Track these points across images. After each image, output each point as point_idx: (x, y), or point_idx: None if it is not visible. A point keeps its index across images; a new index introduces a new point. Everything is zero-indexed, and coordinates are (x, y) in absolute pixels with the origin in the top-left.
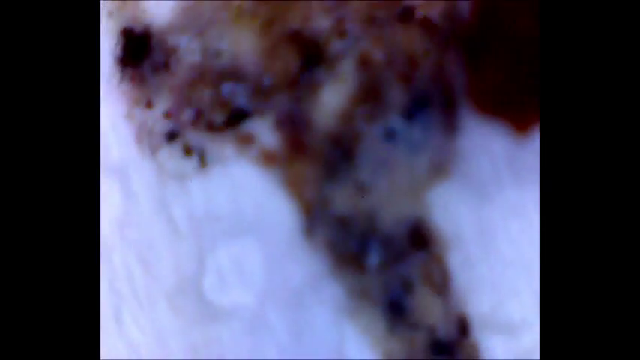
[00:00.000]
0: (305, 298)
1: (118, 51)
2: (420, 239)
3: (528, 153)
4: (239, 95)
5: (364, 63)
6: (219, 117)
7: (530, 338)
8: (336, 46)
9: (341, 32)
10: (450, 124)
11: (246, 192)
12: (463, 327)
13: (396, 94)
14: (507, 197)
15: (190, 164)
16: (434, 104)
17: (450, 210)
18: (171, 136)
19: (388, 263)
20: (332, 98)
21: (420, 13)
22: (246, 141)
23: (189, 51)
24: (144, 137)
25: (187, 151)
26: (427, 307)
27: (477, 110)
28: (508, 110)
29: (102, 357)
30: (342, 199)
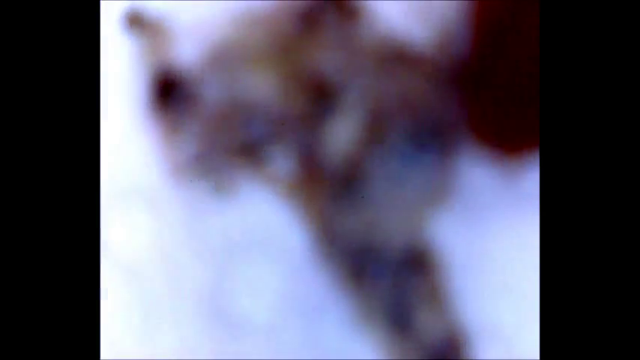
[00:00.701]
0: (316, 315)
1: (148, 88)
2: (420, 262)
3: (526, 181)
4: (257, 130)
5: (370, 94)
6: (238, 148)
7: (528, 355)
8: (345, 86)
9: (350, 73)
10: (450, 154)
11: (261, 215)
12: (463, 342)
13: (400, 127)
14: (507, 221)
15: (212, 192)
16: (435, 132)
17: (451, 232)
18: (195, 166)
19: (392, 282)
20: (341, 134)
21: (421, 50)
22: (262, 168)
23: (213, 88)
24: (170, 167)
25: (210, 180)
26: (430, 323)
27: (477, 138)
28: (508, 139)
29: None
30: (351, 227)
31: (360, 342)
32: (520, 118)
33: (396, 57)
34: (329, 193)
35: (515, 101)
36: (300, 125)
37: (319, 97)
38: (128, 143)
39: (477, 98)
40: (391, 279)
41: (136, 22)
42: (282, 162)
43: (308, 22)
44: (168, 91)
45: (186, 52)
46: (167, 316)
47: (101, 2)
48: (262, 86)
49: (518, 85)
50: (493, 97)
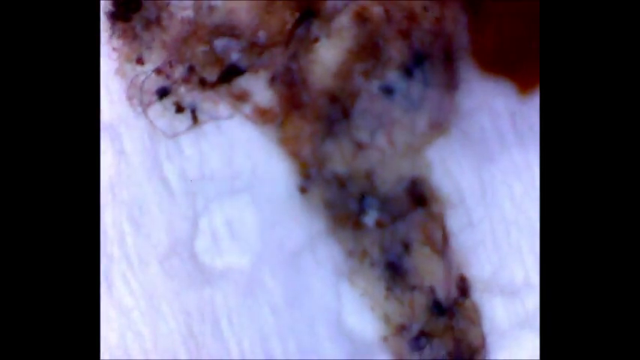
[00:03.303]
0: (301, 260)
1: (109, 6)
2: (418, 198)
3: (533, 111)
4: (233, 51)
5: (361, 18)
6: (212, 74)
7: (533, 301)
8: (332, 1)
9: None
10: (450, 81)
11: (240, 150)
12: (463, 288)
13: (394, 50)
14: (510, 156)
15: (183, 122)
16: (433, 60)
17: (450, 168)
18: (163, 93)
19: (386, 223)
20: (328, 54)
21: None
22: (241, 98)
23: (181, 6)
24: (135, 94)
25: (179, 108)
26: (427, 267)
27: (478, 67)
28: (511, 68)
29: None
30: (340, 157)
31: (348, 288)
32: (526, 45)
33: None
34: (316, 124)
35: (520, 26)
36: (282, 49)
37: (304, 17)
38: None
39: (480, 21)
40: (385, 218)
41: None
42: (262, 90)
43: None
44: (131, 8)
45: None
46: (132, 261)
47: None
48: (238, 4)
49: (524, 10)
50: (498, 21)
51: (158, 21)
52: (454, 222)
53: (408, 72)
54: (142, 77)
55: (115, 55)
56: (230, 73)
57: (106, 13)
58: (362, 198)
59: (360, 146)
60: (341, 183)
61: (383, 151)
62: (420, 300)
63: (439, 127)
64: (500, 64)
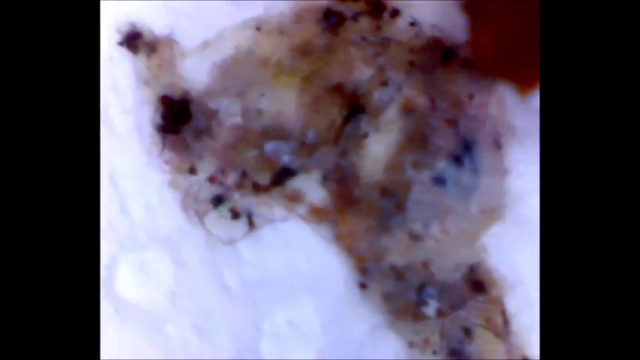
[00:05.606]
0: (365, 354)
1: (158, 119)
2: (477, 284)
3: None
4: (283, 153)
5: (408, 110)
6: (264, 177)
7: None
8: (378, 95)
9: (382, 81)
10: (500, 165)
11: (297, 251)
12: None
13: (443, 139)
14: None
15: (239, 227)
16: (481, 146)
17: (506, 251)
18: (218, 201)
19: (447, 311)
20: (378, 148)
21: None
22: (294, 199)
23: (229, 113)
24: (190, 204)
25: (235, 214)
26: (489, 352)
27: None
28: (511, 68)
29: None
30: (396, 250)
31: None
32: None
33: (436, 62)
34: (370, 218)
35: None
36: (331, 147)
37: (351, 114)
38: (139, 179)
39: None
40: (445, 306)
41: (137, 41)
42: (315, 189)
43: (333, 23)
44: (180, 120)
45: (196, 72)
46: None
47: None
48: (285, 106)
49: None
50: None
51: (208, 130)
52: (513, 304)
53: (457, 160)
54: (196, 187)
55: (167, 167)
56: (282, 175)
57: (155, 126)
58: (421, 288)
59: (415, 237)
60: (399, 275)
61: (438, 240)
62: None
63: (492, 212)
64: (500, 65)
